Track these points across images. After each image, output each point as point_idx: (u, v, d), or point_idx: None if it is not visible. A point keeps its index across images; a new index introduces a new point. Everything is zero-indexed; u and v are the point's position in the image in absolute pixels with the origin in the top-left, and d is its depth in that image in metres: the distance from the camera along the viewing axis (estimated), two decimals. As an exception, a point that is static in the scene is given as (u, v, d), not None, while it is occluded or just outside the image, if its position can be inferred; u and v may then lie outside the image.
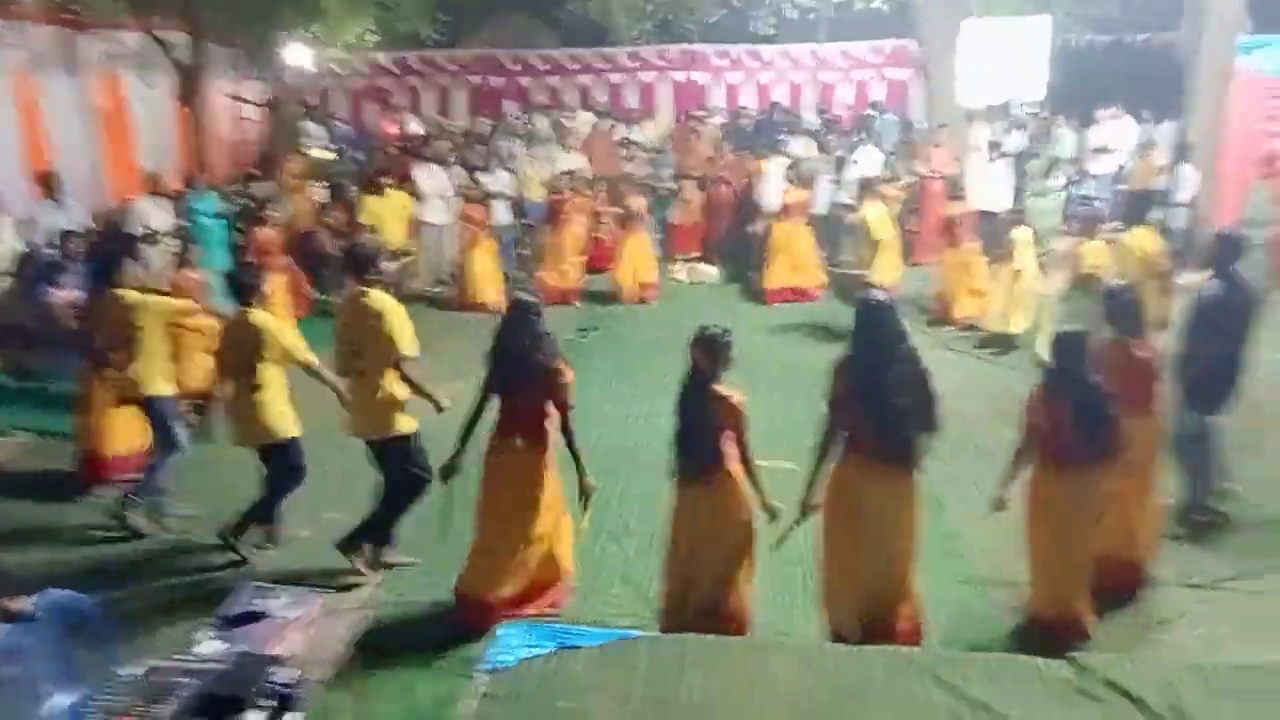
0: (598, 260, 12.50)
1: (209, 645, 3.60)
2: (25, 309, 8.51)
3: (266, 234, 9.60)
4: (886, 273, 10.21)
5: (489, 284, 10.88)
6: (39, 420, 7.57)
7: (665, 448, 4.30)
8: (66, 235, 8.49)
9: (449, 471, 4.70)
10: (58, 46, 12.99)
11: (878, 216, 9.04)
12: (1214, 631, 4.72)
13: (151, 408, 5.82)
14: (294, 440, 5.36)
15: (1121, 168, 12.63)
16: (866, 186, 9.51)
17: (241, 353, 5.24)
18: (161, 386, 5.83)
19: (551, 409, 4.62)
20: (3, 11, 11.64)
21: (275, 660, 3.43)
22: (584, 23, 18.61)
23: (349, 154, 13.16)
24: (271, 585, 4.20)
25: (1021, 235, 9.06)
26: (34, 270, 8.51)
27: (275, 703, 3.23)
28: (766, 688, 3.65)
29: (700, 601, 4.29)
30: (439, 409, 5.05)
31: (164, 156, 14.86)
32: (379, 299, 4.95)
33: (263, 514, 5.42)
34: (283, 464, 5.37)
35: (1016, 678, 3.80)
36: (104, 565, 5.51)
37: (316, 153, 13.95)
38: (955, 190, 10.22)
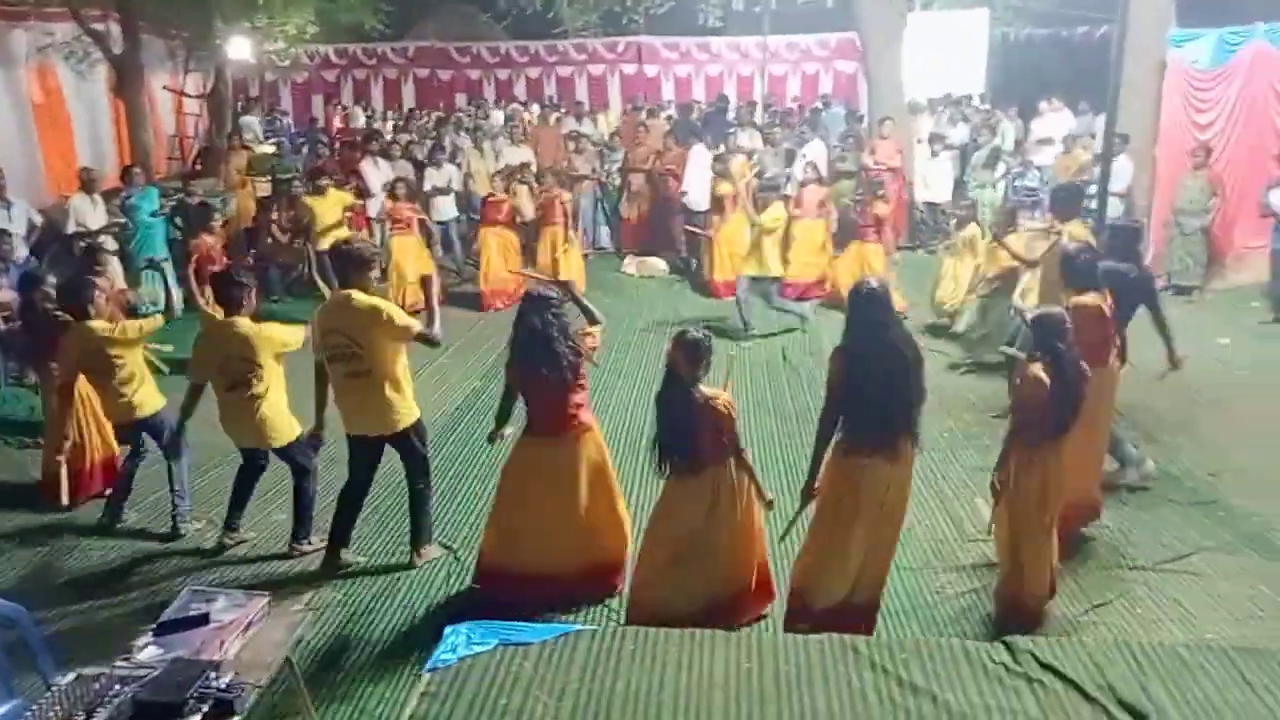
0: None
1: (146, 652, 3.53)
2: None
3: (208, 242, 9.08)
4: (801, 270, 10.47)
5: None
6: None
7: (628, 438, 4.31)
8: (-2, 235, 8.25)
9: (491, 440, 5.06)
10: (-14, 38, 12.64)
11: (772, 217, 9.25)
12: (1153, 612, 4.85)
13: (150, 426, 5.85)
14: (299, 440, 5.43)
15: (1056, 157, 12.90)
16: (768, 188, 9.65)
17: (232, 362, 5.18)
18: (156, 403, 5.86)
19: (583, 399, 4.79)
20: (-74, 2, 11.27)
21: (212, 665, 3.37)
22: (531, 15, 18.52)
23: (289, 149, 12.93)
24: (212, 589, 4.13)
25: (971, 232, 9.21)
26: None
27: (211, 708, 3.19)
28: (707, 677, 3.68)
29: (704, 597, 4.45)
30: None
31: (102, 151, 14.54)
32: (364, 297, 4.90)
33: (305, 517, 5.54)
34: (295, 464, 5.47)
35: (952, 661, 3.87)
36: (47, 575, 5.42)
37: (259, 147, 13.71)
38: (874, 189, 10.40)
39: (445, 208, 11.83)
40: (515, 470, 4.86)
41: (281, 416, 5.37)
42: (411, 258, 10.41)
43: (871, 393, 4.18)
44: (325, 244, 9.61)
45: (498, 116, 16.68)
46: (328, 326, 4.96)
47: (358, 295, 4.92)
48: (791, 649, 3.90)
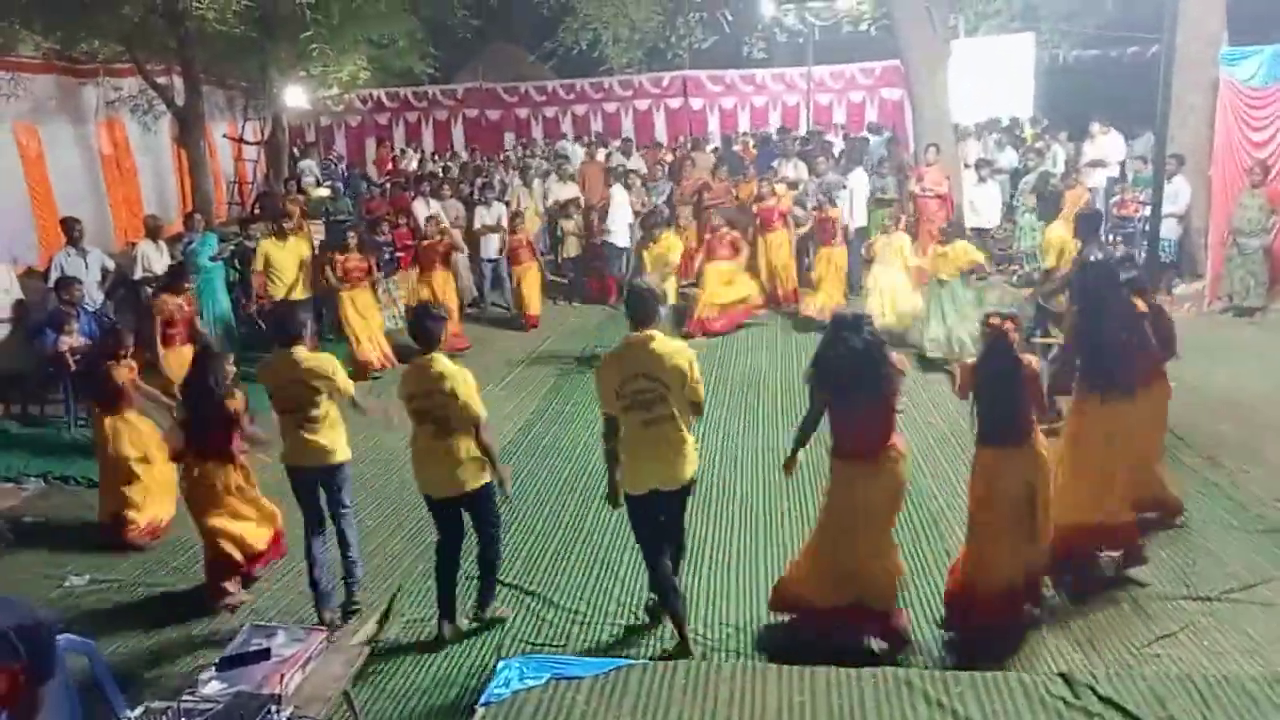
0: (596, 289, 12.68)
1: (209, 686, 3.64)
2: (29, 356, 8.62)
3: (174, 303, 7.96)
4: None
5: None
6: (48, 466, 7.66)
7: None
8: (67, 283, 8.58)
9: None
10: (59, 95, 13.23)
11: (666, 245, 9.79)
12: (1219, 644, 4.70)
13: (337, 476, 5.23)
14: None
15: (1111, 181, 12.74)
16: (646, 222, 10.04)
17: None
18: (347, 451, 5.30)
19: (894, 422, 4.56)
20: (2, 63, 11.83)
21: (273, 698, 3.47)
22: (576, 54, 18.84)
23: (344, 191, 13.29)
24: (272, 624, 4.24)
25: (899, 241, 10.10)
26: (43, 317, 8.63)
27: (273, 741, 3.28)
28: (759, 712, 3.68)
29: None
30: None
31: (167, 199, 15.10)
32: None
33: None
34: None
35: (1009, 695, 3.82)
36: (117, 611, 5.57)
37: (315, 191, 14.10)
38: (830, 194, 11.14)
39: (494, 246, 12.01)
40: (837, 495, 4.60)
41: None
42: (362, 314, 9.89)
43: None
44: (283, 293, 9.59)
45: (577, 150, 17.04)
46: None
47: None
48: (844, 683, 3.88)
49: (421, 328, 4.93)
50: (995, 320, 4.68)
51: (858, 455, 4.44)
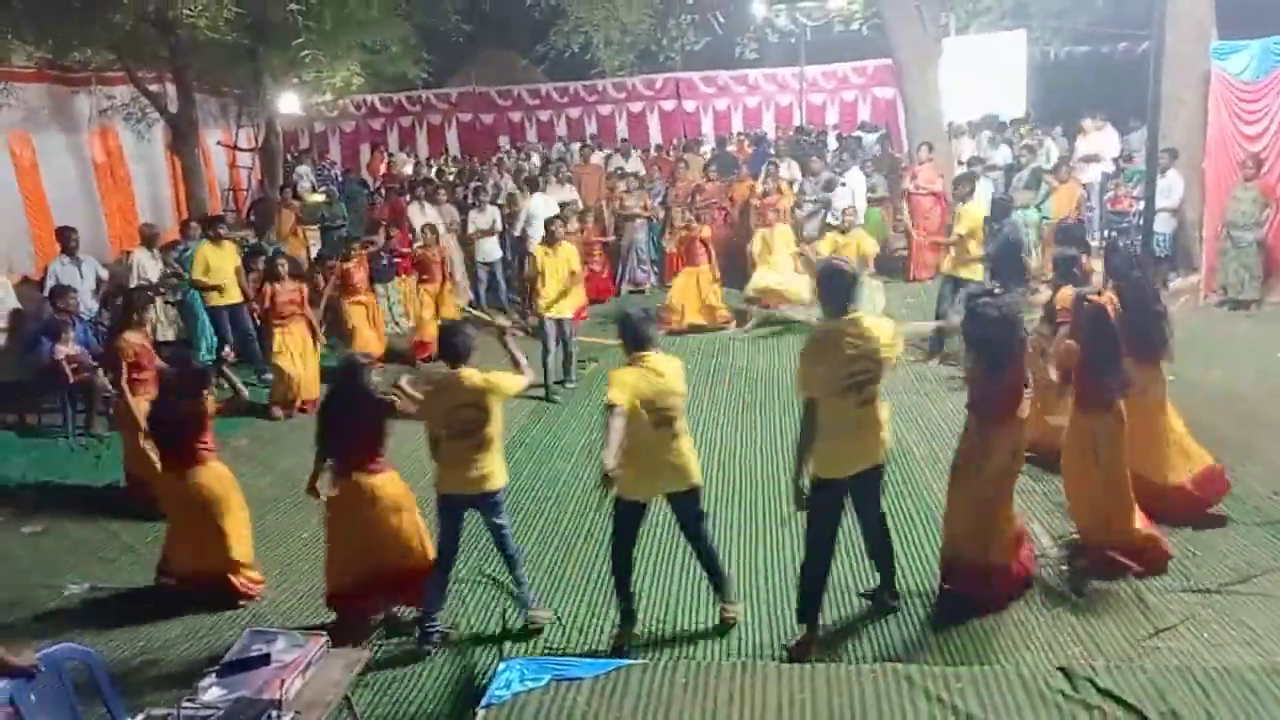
0: (592, 292, 12.68)
1: (210, 692, 3.63)
2: (25, 366, 8.61)
3: (135, 342, 6.86)
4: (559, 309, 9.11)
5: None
6: (48, 474, 7.67)
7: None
8: (62, 292, 8.58)
9: None
10: (51, 104, 13.21)
11: (559, 255, 8.98)
12: (1219, 636, 4.70)
13: (496, 503, 5.02)
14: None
15: (1105, 176, 12.78)
16: (548, 227, 9.20)
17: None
18: (504, 475, 5.08)
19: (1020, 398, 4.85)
20: (-5, 73, 11.82)
21: (273, 704, 3.46)
22: (569, 57, 18.85)
23: (338, 197, 13.28)
24: (273, 630, 4.24)
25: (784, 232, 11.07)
26: (39, 326, 8.62)
27: (273, 747, 3.27)
28: (759, 710, 3.68)
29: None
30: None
31: (161, 207, 15.08)
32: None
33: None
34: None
35: (1009, 689, 3.83)
36: (116, 618, 5.56)
37: (309, 197, 14.10)
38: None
39: (490, 250, 12.01)
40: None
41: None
42: (294, 353, 8.90)
43: None
44: (220, 299, 9.41)
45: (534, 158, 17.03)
46: None
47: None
48: (845, 680, 3.89)
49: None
50: (1094, 297, 5.24)
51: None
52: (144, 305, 7.23)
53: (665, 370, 4.67)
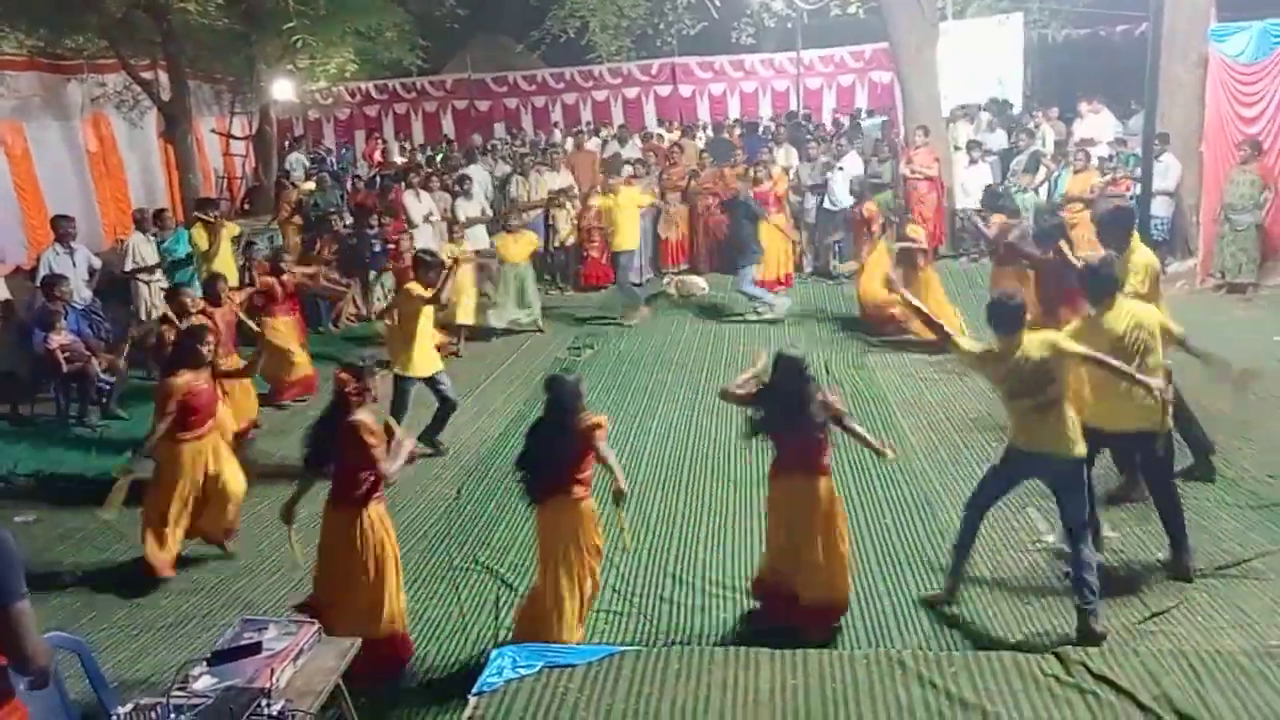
0: (592, 279, 12.66)
1: (200, 681, 3.61)
2: (18, 356, 8.57)
3: (185, 382, 5.78)
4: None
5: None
6: (41, 463, 7.62)
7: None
8: (54, 281, 8.54)
9: None
10: (43, 92, 13.13)
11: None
12: (1213, 620, 4.71)
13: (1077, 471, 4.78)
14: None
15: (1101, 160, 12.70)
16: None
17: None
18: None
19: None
20: (-14, 61, 11.75)
21: (264, 693, 3.45)
22: (564, 42, 18.74)
23: (330, 184, 13.20)
24: (264, 618, 4.22)
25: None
26: (31, 316, 8.58)
27: (264, 735, 3.26)
28: (753, 695, 3.68)
29: None
30: None
31: (155, 195, 15.02)
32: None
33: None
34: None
35: (1002, 674, 3.82)
36: (107, 607, 5.55)
37: (301, 185, 14.03)
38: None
39: (479, 237, 11.90)
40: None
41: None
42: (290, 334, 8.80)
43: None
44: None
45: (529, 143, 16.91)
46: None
47: None
48: (838, 665, 3.88)
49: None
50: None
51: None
52: (203, 338, 5.98)
53: (1131, 308, 5.05)
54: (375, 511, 4.53)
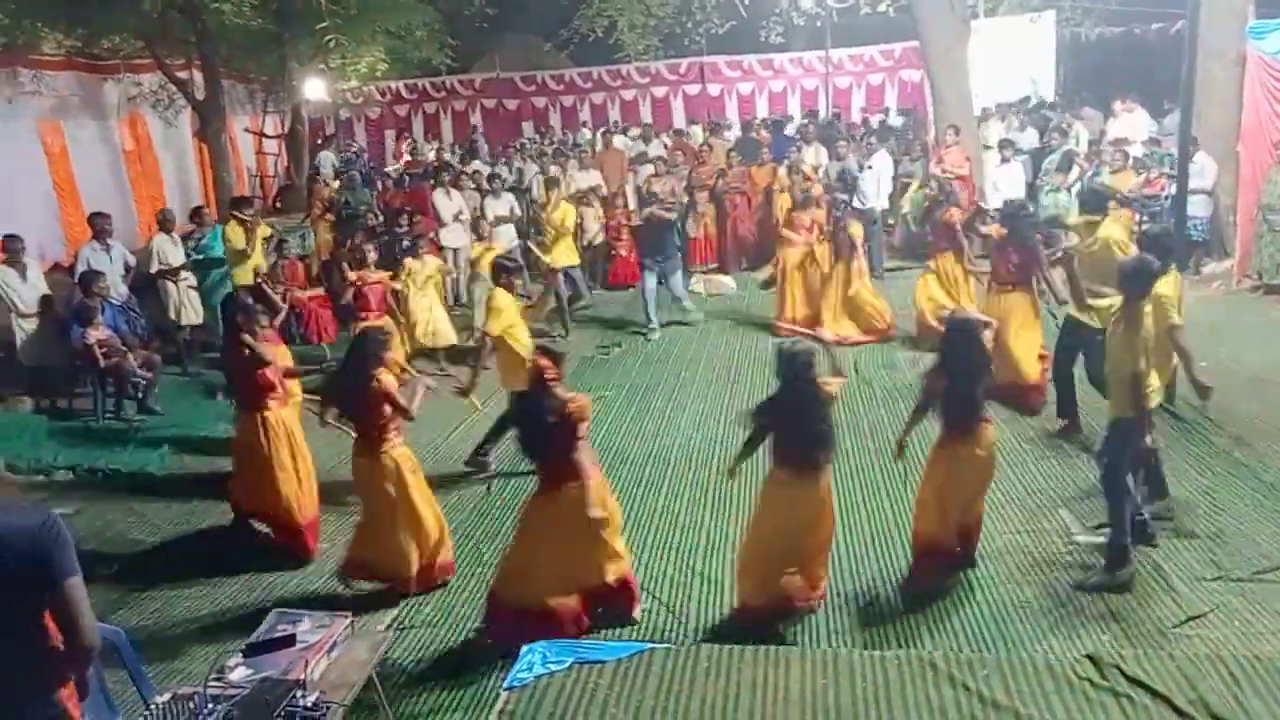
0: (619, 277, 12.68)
1: (236, 672, 3.66)
2: (57, 350, 8.72)
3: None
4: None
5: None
6: (79, 458, 7.73)
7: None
8: (92, 277, 8.67)
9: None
10: (81, 92, 13.32)
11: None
12: (1251, 625, 4.64)
13: None
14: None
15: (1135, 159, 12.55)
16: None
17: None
18: None
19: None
20: (26, 61, 11.93)
21: (299, 684, 3.49)
22: (593, 42, 18.77)
23: (359, 183, 13.29)
24: (298, 610, 4.27)
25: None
26: (69, 312, 8.72)
27: (299, 726, 3.30)
28: (783, 695, 3.66)
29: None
30: None
31: (189, 193, 15.20)
32: None
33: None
34: None
35: (1035, 677, 3.78)
36: (144, 599, 5.63)
37: (332, 183, 14.15)
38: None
39: (507, 235, 11.92)
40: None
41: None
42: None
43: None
44: (245, 278, 9.37)
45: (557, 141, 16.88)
46: None
47: None
48: (868, 666, 3.86)
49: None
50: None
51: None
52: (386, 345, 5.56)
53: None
54: (399, 454, 5.26)
